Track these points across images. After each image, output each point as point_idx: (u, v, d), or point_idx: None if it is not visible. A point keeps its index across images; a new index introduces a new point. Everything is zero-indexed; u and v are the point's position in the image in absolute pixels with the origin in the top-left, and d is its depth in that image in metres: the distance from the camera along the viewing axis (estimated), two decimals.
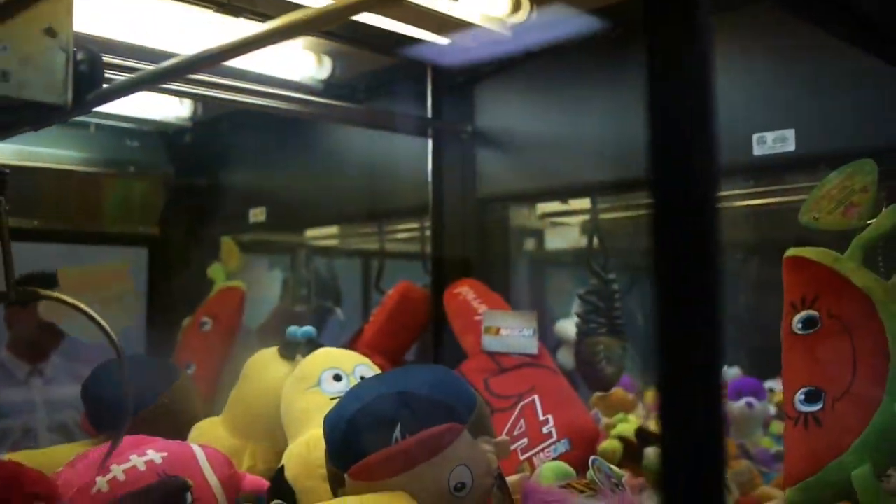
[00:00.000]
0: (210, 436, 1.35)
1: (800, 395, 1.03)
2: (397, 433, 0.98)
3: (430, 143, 1.69)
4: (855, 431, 0.99)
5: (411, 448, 0.97)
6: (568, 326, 2.37)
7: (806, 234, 1.12)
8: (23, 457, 1.23)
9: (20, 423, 2.06)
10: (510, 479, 1.09)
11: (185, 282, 2.06)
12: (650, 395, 2.38)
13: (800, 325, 1.06)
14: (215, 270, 1.99)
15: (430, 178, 1.64)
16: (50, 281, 2.13)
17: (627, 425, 1.87)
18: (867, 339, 1.01)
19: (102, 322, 0.90)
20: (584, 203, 1.70)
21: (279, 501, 1.10)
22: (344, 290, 2.28)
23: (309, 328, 1.36)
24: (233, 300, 1.93)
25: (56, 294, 0.90)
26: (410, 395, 1.00)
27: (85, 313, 0.90)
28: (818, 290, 1.06)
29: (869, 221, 1.07)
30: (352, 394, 1.05)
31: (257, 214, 1.97)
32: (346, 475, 1.00)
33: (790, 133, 1.30)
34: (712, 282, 0.54)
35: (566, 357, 2.27)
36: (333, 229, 2.29)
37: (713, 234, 0.54)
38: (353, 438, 1.00)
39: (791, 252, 1.09)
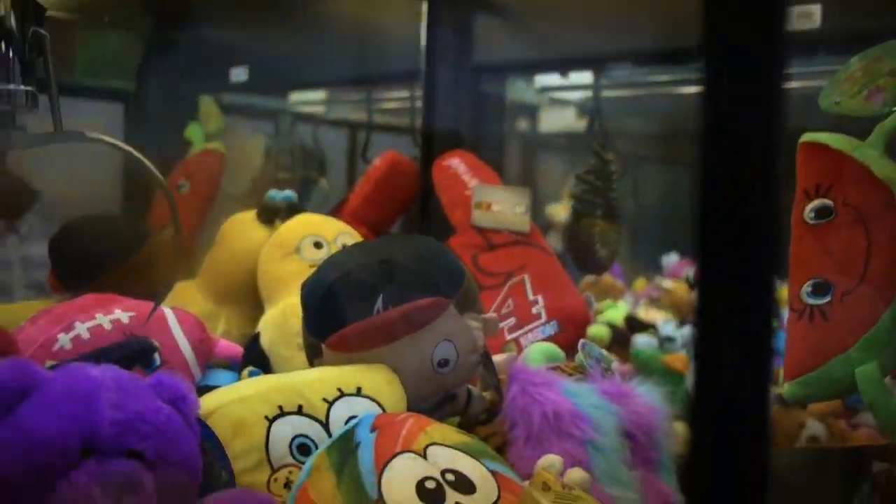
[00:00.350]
0: (183, 299, 1.30)
1: (807, 287, 0.97)
2: (379, 304, 0.92)
3: (424, 5, 1.57)
4: (863, 327, 0.93)
5: (393, 320, 0.91)
6: (559, 210, 2.32)
7: (824, 120, 1.04)
8: None
9: None
10: (496, 358, 1.05)
11: (162, 142, 1.97)
12: (640, 284, 2.36)
13: (812, 215, 0.99)
14: (193, 131, 1.90)
15: (423, 44, 1.54)
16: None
17: (616, 312, 1.84)
18: (883, 231, 0.94)
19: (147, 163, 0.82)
20: (585, 78, 1.62)
21: (252, 368, 1.05)
22: (329, 160, 2.20)
23: (289, 192, 1.29)
24: (211, 163, 1.85)
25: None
26: (395, 265, 0.93)
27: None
28: (834, 178, 0.99)
29: (895, 108, 0.99)
30: (332, 260, 0.99)
31: (239, 74, 1.87)
32: (323, 345, 0.95)
33: (816, 8, 1.21)
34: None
35: (556, 241, 2.22)
36: (320, 94, 2.19)
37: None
38: (331, 307, 0.94)
39: (807, 137, 1.01)
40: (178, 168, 1.88)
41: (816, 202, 0.98)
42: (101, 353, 0.85)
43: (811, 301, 0.96)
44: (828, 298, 0.95)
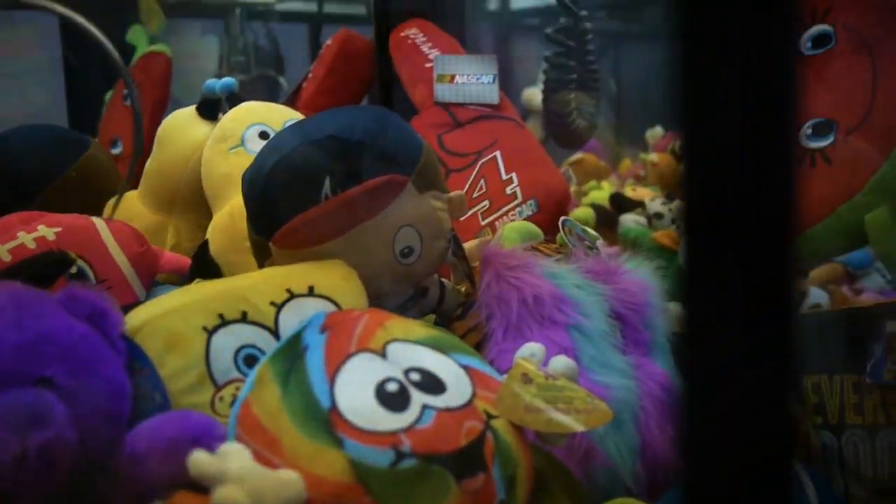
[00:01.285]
0: (127, 212, 1.19)
1: (806, 129, 0.87)
2: (326, 189, 0.81)
3: None
4: (871, 168, 0.84)
5: (344, 205, 0.80)
6: (535, 94, 2.20)
7: None
8: None
9: None
10: (468, 244, 0.95)
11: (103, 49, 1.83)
12: (625, 164, 2.26)
13: (809, 44, 0.88)
14: (136, 33, 1.76)
15: None
16: None
17: (601, 192, 1.75)
18: (891, 55, 0.84)
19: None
20: None
21: (200, 280, 0.95)
22: (287, 57, 2.06)
23: (229, 79, 1.17)
24: (157, 67, 1.71)
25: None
26: (340, 141, 0.82)
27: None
28: None
29: None
30: (270, 144, 0.88)
31: None
32: (270, 243, 0.84)
33: None
34: None
35: (535, 128, 2.11)
36: None
37: None
38: (273, 198, 0.83)
39: None
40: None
41: (813, 29, 0.87)
42: (9, 271, 0.75)
43: (812, 144, 0.87)
44: (830, 139, 0.86)
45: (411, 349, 0.71)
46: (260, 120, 1.09)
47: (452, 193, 0.89)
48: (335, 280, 0.81)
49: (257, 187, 0.84)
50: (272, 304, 0.77)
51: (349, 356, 0.67)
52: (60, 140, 1.28)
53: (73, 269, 0.82)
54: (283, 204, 0.82)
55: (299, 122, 0.89)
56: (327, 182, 0.80)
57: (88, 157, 1.26)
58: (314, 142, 0.82)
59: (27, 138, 1.26)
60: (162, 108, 1.74)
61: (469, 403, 0.69)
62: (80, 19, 0.77)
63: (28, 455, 0.57)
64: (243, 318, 0.76)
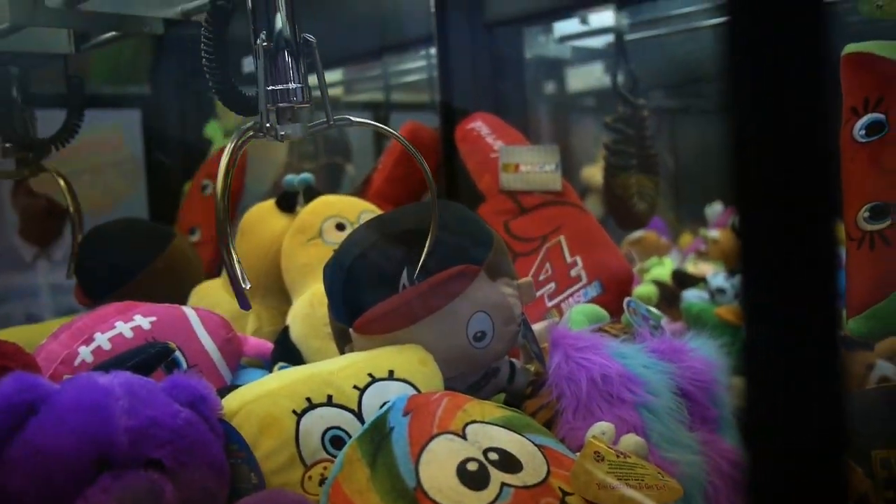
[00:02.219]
0: (211, 299, 1.26)
1: (864, 212, 0.90)
2: (404, 279, 0.86)
3: None
4: None
5: (421, 294, 0.85)
6: (594, 173, 2.25)
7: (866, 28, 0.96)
8: (7, 332, 1.15)
9: (22, 307, 1.99)
10: (536, 326, 0.99)
11: (182, 143, 1.94)
12: (685, 239, 2.27)
13: (863, 132, 0.91)
14: (212, 129, 1.86)
15: (432, 6, 1.47)
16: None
17: (662, 269, 1.77)
18: None
19: None
20: (608, 19, 1.53)
21: (283, 364, 1.00)
22: (354, 144, 2.14)
23: (306, 175, 1.24)
24: None
25: None
26: (416, 234, 0.87)
27: None
28: (884, 89, 0.91)
29: None
30: (350, 239, 0.93)
31: (251, 63, 1.81)
32: (351, 330, 0.89)
33: None
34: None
35: (594, 205, 2.15)
36: (337, 75, 2.13)
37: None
38: (354, 288, 0.88)
39: (850, 48, 0.93)
40: (200, 169, 1.85)
41: (866, 118, 0.90)
42: (117, 361, 0.81)
43: (870, 226, 0.89)
44: (888, 221, 0.88)
45: (489, 430, 0.75)
46: (336, 213, 1.15)
47: (522, 280, 0.93)
48: (413, 364, 0.85)
49: (339, 278, 0.90)
50: (355, 387, 0.82)
51: (432, 437, 0.71)
52: (148, 233, 1.37)
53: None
54: (364, 293, 0.87)
55: (377, 218, 0.95)
56: (405, 273, 0.86)
57: (174, 247, 1.34)
58: (392, 236, 0.88)
59: (118, 231, 1.35)
60: (238, 196, 1.82)
61: (545, 481, 0.72)
62: (398, 136, 0.90)
63: None
64: (329, 402, 0.80)
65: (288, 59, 0.81)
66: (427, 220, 0.88)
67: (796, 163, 0.42)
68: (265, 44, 0.80)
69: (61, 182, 1.30)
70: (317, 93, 0.84)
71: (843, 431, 0.44)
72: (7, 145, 1.27)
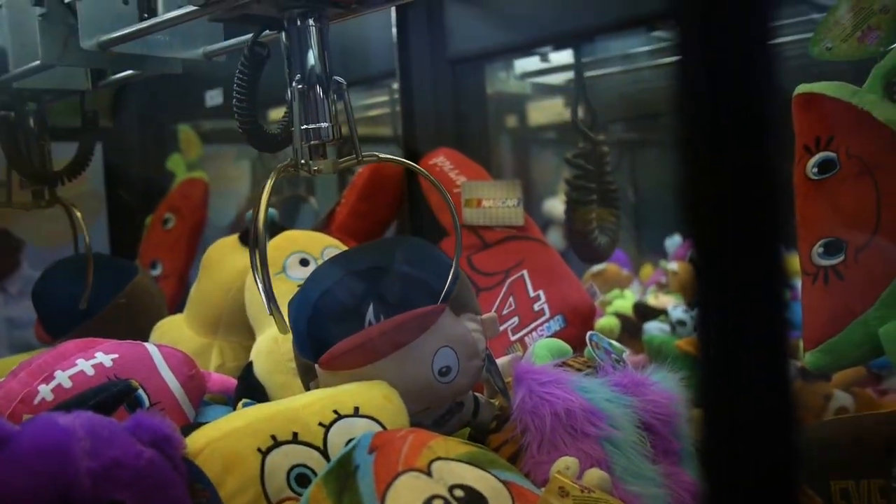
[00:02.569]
0: (173, 335, 1.25)
1: (818, 248, 0.92)
2: (370, 315, 0.87)
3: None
4: (881, 283, 0.88)
5: (387, 332, 0.86)
6: (556, 205, 2.27)
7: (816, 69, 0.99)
8: None
9: None
10: (500, 360, 0.99)
11: (144, 177, 1.93)
12: (646, 271, 2.30)
13: (815, 170, 0.94)
14: (175, 162, 1.86)
15: (395, 41, 1.48)
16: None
17: (624, 301, 1.79)
18: (892, 178, 0.89)
19: None
20: (567, 57, 1.56)
21: (247, 400, 1.00)
22: (317, 177, 2.14)
23: (270, 210, 1.24)
24: (196, 193, 1.80)
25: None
26: (382, 271, 0.88)
27: None
28: (834, 128, 0.93)
29: (891, 47, 0.93)
30: (316, 275, 0.94)
31: (213, 97, 1.82)
32: (316, 366, 0.90)
33: None
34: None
35: (556, 238, 2.17)
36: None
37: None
38: (320, 325, 0.89)
39: (802, 88, 0.96)
40: (162, 203, 1.84)
41: (818, 156, 0.93)
42: (78, 400, 0.80)
43: (824, 262, 0.91)
44: (841, 257, 0.90)
45: (454, 466, 0.75)
46: (300, 248, 1.15)
47: (485, 315, 0.94)
48: (378, 400, 0.85)
49: (304, 314, 0.90)
50: (321, 424, 0.82)
51: (397, 475, 0.71)
52: (110, 268, 1.36)
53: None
54: (330, 329, 0.87)
55: (343, 254, 0.95)
56: (371, 309, 0.86)
57: (136, 283, 1.33)
58: (357, 272, 0.89)
59: (79, 266, 1.34)
60: (200, 230, 1.82)
61: None
62: (424, 171, 0.98)
63: None
64: (294, 439, 0.80)
65: (320, 99, 0.86)
66: (391, 256, 0.89)
67: (747, 196, 0.43)
68: (300, 86, 0.85)
69: (78, 214, 1.33)
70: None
71: (797, 461, 0.45)
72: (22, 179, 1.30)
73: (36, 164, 1.30)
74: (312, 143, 0.87)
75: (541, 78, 1.86)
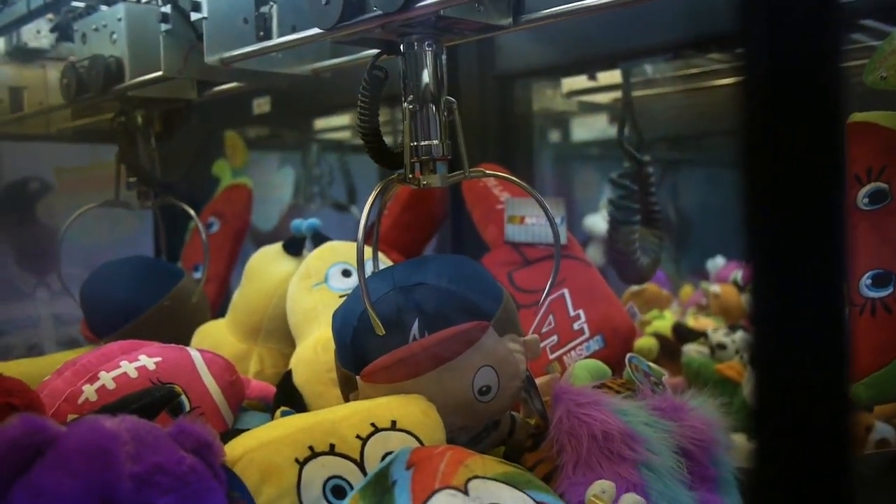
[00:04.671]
0: (214, 340, 1.27)
1: (866, 280, 0.91)
2: (415, 331, 0.87)
3: None
4: None
5: (430, 347, 0.86)
6: (597, 222, 2.27)
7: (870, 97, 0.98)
8: (10, 366, 1.15)
9: (23, 339, 1.99)
10: (539, 380, 0.99)
11: (189, 181, 1.95)
12: (686, 292, 2.28)
13: (866, 200, 0.93)
14: (220, 167, 1.88)
15: (443, 56, 1.49)
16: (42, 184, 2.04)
17: (663, 322, 1.78)
18: None
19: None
20: (614, 77, 1.56)
21: (285, 408, 1.01)
22: (359, 186, 2.16)
23: (314, 220, 1.25)
24: (240, 198, 1.82)
25: None
26: (429, 288, 0.89)
27: None
28: (887, 159, 0.93)
29: None
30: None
31: (261, 105, 1.84)
32: (357, 378, 0.90)
33: None
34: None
35: (596, 254, 2.16)
36: (344, 119, 2.16)
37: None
38: (364, 337, 0.89)
39: (856, 117, 0.95)
40: (206, 207, 1.86)
41: (870, 186, 0.92)
42: (122, 403, 0.81)
43: (872, 294, 0.90)
44: (890, 290, 0.89)
45: (491, 486, 0.75)
46: (343, 259, 1.16)
47: (528, 337, 0.94)
48: (416, 415, 0.86)
49: (349, 327, 0.90)
50: (358, 437, 0.82)
51: (434, 492, 0.72)
52: (157, 271, 1.38)
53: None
54: (374, 342, 0.88)
55: (390, 269, 0.96)
56: (416, 324, 0.87)
57: (181, 287, 1.35)
58: (404, 287, 0.89)
59: (127, 268, 1.36)
60: (243, 235, 1.84)
61: None
62: (528, 187, 1.01)
63: None
64: (331, 451, 0.80)
65: (432, 116, 0.92)
66: (439, 273, 0.89)
67: (809, 224, 0.43)
68: (411, 106, 0.92)
69: (192, 212, 1.43)
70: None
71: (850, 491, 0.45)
72: (131, 179, 1.42)
73: (145, 167, 1.42)
74: (423, 158, 0.92)
75: (587, 96, 1.86)
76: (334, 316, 0.95)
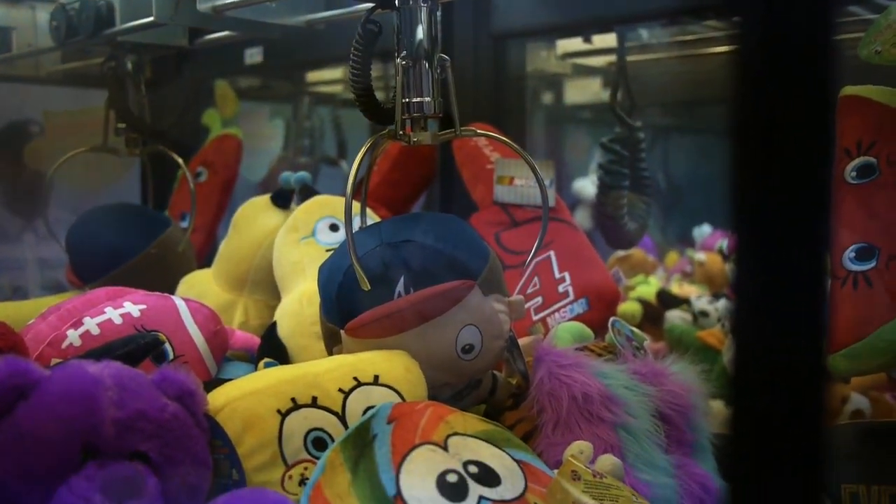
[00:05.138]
0: (200, 289, 1.27)
1: (850, 253, 0.92)
2: (400, 287, 0.87)
3: None
4: None
5: (416, 304, 0.87)
6: (586, 185, 2.27)
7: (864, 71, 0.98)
8: None
9: (8, 279, 1.99)
10: (522, 341, 1.00)
11: (179, 130, 1.93)
12: (672, 258, 2.30)
13: (854, 174, 0.93)
14: (210, 117, 1.86)
15: (438, 13, 1.48)
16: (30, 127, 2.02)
17: (648, 287, 1.79)
18: None
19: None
20: (609, 40, 1.55)
21: (269, 360, 1.01)
22: (350, 140, 2.15)
23: (303, 173, 1.25)
24: (229, 148, 1.80)
25: None
26: (415, 245, 0.89)
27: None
28: (877, 133, 0.93)
29: None
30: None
31: (253, 55, 1.82)
32: (342, 332, 0.90)
33: None
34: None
35: (584, 218, 2.17)
36: (337, 72, 2.14)
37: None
38: (350, 292, 0.89)
39: (848, 90, 0.95)
40: (195, 157, 1.85)
41: (858, 160, 0.92)
42: (106, 349, 0.81)
43: (854, 267, 0.91)
44: (872, 264, 0.90)
45: (470, 442, 0.76)
46: (331, 213, 1.16)
47: (513, 297, 0.95)
48: (399, 371, 0.86)
49: (335, 281, 0.91)
50: (340, 390, 0.83)
51: (414, 447, 0.73)
52: (143, 218, 1.38)
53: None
54: (359, 297, 0.88)
55: (377, 225, 0.96)
56: (401, 281, 0.87)
57: (168, 235, 1.35)
58: (392, 244, 0.89)
59: (114, 215, 1.36)
60: (231, 185, 1.83)
61: (521, 496, 0.74)
62: (520, 149, 1.00)
63: None
64: (313, 403, 0.81)
65: (425, 73, 0.92)
66: (426, 231, 0.89)
67: (795, 195, 0.43)
68: (404, 62, 0.91)
69: (180, 161, 1.45)
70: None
71: (822, 460, 0.45)
72: (120, 126, 1.41)
73: (135, 114, 1.41)
74: (414, 115, 0.92)
75: (582, 59, 1.85)
76: (320, 270, 0.95)
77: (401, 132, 0.92)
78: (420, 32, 0.91)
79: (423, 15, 0.92)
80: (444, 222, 0.94)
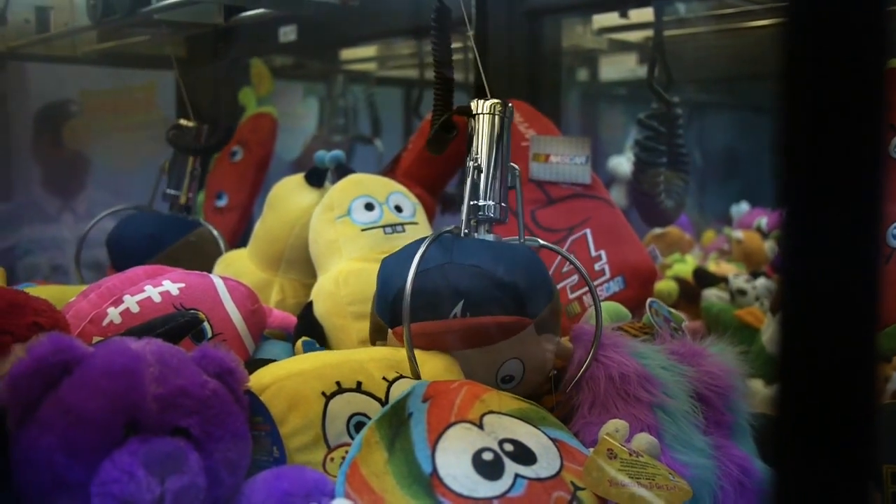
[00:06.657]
0: (236, 268, 1.28)
1: (893, 229, 0.90)
2: (458, 309, 0.86)
3: None
4: None
5: (469, 329, 0.86)
6: (621, 163, 2.25)
7: None
8: (38, 290, 1.16)
9: (47, 258, 2.02)
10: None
11: (214, 108, 1.94)
12: (709, 236, 2.28)
13: None
14: (246, 95, 1.86)
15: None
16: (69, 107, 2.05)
17: (684, 266, 1.77)
18: None
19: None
20: (646, 15, 1.52)
21: (306, 339, 1.02)
22: (384, 119, 2.15)
23: (338, 152, 1.25)
24: (264, 127, 1.81)
25: None
26: (483, 272, 0.87)
27: None
28: None
29: None
30: (419, 251, 0.92)
31: (287, 34, 1.82)
32: (390, 331, 0.90)
33: None
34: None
35: (618, 195, 2.15)
36: (370, 50, 2.14)
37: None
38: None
39: (894, 63, 0.93)
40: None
41: None
42: (147, 326, 0.82)
43: None
44: None
45: (505, 421, 0.76)
46: (366, 192, 1.16)
47: (563, 342, 0.95)
48: (439, 371, 0.86)
49: (396, 285, 0.90)
50: (384, 378, 0.83)
51: (449, 425, 0.73)
52: (179, 219, 1.45)
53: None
54: (416, 307, 0.85)
55: (452, 242, 0.92)
56: (461, 304, 0.86)
57: (205, 228, 1.39)
58: (459, 265, 0.88)
59: (151, 216, 1.46)
60: (266, 164, 1.83)
61: (557, 475, 0.74)
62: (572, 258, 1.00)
63: (165, 498, 0.64)
64: (358, 388, 0.81)
65: (492, 180, 0.93)
66: (497, 259, 0.88)
67: (845, 171, 0.42)
68: (475, 164, 0.94)
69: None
70: None
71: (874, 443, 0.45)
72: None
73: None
74: (480, 216, 0.93)
75: (618, 34, 1.83)
76: (384, 263, 0.94)
77: (465, 231, 0.92)
78: (492, 141, 0.94)
79: (496, 125, 0.95)
80: (517, 255, 0.92)
